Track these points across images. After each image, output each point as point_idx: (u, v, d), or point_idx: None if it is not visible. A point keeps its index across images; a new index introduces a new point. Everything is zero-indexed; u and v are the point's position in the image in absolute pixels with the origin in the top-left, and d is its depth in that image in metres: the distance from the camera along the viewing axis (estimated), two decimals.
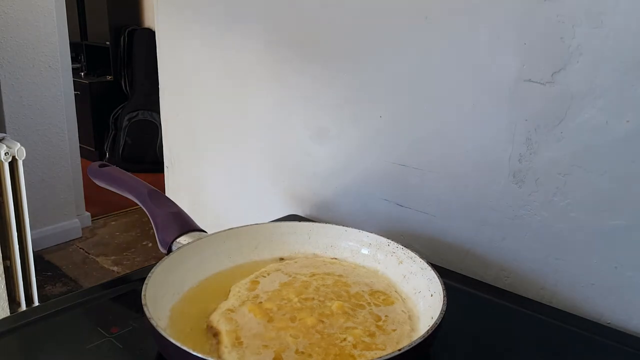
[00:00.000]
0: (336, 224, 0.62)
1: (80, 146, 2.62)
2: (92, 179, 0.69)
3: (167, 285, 0.50)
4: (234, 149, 0.93)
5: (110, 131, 3.54)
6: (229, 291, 0.52)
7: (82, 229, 2.60)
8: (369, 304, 0.50)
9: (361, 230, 0.60)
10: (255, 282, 0.53)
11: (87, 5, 3.63)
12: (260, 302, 0.49)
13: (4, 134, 1.55)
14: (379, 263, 0.58)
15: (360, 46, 0.70)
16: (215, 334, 0.45)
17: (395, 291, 0.53)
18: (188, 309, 0.50)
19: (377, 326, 0.47)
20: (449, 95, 0.63)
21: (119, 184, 0.66)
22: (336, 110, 0.75)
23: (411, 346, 0.39)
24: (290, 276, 0.54)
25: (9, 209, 1.51)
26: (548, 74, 0.54)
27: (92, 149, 3.60)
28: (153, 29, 2.74)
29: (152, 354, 0.46)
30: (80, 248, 2.50)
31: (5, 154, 1.48)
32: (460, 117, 0.62)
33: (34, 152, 2.24)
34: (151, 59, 3.28)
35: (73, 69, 2.60)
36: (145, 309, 0.42)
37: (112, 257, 2.44)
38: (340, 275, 0.55)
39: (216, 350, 0.43)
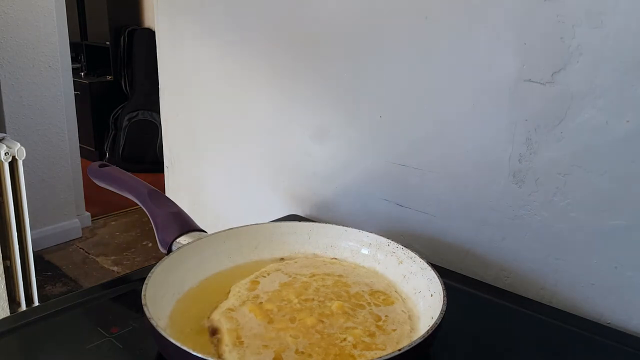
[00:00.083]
0: (336, 224, 0.62)
1: (80, 146, 2.62)
2: (92, 179, 0.69)
3: (167, 285, 0.50)
4: (234, 149, 0.93)
5: (110, 131, 3.54)
6: (229, 291, 0.52)
7: (82, 229, 2.60)
8: (369, 304, 0.50)
9: (361, 230, 0.60)
10: (255, 282, 0.53)
11: (87, 5, 3.63)
12: (261, 303, 0.49)
13: (4, 134, 1.55)
14: (379, 263, 0.58)
15: (360, 46, 0.70)
16: (216, 332, 0.45)
17: (395, 291, 0.53)
18: (188, 309, 0.50)
19: (377, 326, 0.47)
20: (449, 95, 0.63)
21: (119, 184, 0.66)
22: (336, 110, 0.75)
23: (411, 346, 0.39)
24: (290, 276, 0.54)
25: (9, 209, 1.51)
26: (548, 74, 0.54)
27: (92, 149, 3.60)
28: (153, 29, 2.75)
29: (152, 354, 0.46)
30: (80, 248, 2.50)
31: (5, 154, 1.48)
32: (460, 117, 0.62)
33: (34, 152, 2.24)
34: (151, 59, 3.28)
35: (73, 69, 2.60)
36: (145, 309, 0.42)
37: (112, 257, 2.44)
38: (340, 275, 0.55)
39: (217, 349, 0.43)
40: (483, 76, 0.59)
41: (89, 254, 2.46)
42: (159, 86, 1.05)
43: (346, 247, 0.60)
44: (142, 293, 0.44)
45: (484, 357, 0.49)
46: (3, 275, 1.52)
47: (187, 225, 0.58)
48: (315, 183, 0.80)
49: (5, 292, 1.53)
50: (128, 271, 1.00)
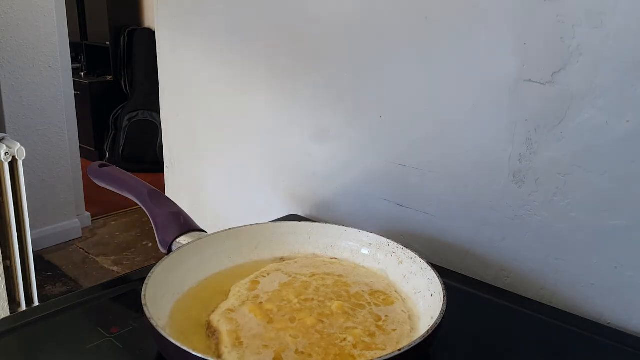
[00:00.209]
0: (336, 224, 0.62)
1: (80, 146, 2.62)
2: (92, 179, 0.69)
3: (167, 285, 0.50)
4: (234, 149, 0.93)
5: (110, 131, 3.54)
6: (229, 291, 0.52)
7: (82, 229, 2.60)
8: (369, 304, 0.50)
9: (361, 230, 0.60)
10: (255, 282, 0.53)
11: (87, 5, 3.63)
12: (261, 303, 0.49)
13: (4, 134, 1.55)
14: (379, 263, 0.58)
15: (360, 46, 0.70)
16: (215, 334, 0.45)
17: (395, 291, 0.53)
18: (188, 309, 0.50)
19: (377, 326, 0.47)
20: (449, 95, 0.63)
21: (119, 184, 0.66)
22: (336, 110, 0.75)
23: (411, 346, 0.39)
24: (290, 276, 0.54)
25: (9, 209, 1.51)
26: (548, 74, 0.54)
27: (92, 149, 3.60)
28: (153, 29, 2.74)
29: (152, 354, 0.46)
30: (80, 248, 2.50)
31: (5, 154, 1.48)
32: (460, 117, 0.62)
33: (34, 152, 2.24)
34: (151, 59, 3.28)
35: (73, 69, 2.60)
36: (145, 309, 0.42)
37: (112, 257, 2.44)
38: (340, 275, 0.55)
39: (216, 350, 0.43)
40: (483, 76, 0.59)
41: (89, 254, 2.46)
42: (159, 86, 1.05)
43: (346, 247, 0.60)
44: (142, 293, 0.44)
45: (484, 357, 0.49)
46: (3, 275, 1.52)
47: (187, 225, 0.58)
48: (315, 183, 0.80)
49: (5, 292, 1.53)
50: (128, 271, 1.00)
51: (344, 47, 0.72)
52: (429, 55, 0.63)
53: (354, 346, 0.44)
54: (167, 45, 1.01)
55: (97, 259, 2.42)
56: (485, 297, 0.58)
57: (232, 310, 0.48)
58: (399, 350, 0.39)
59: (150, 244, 2.55)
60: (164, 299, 0.48)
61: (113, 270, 2.34)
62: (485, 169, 0.61)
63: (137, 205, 0.63)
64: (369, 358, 0.42)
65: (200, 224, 0.60)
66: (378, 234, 0.59)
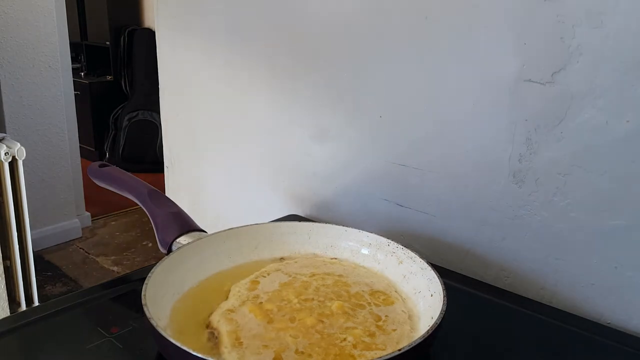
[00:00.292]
0: (336, 224, 0.62)
1: (80, 146, 2.62)
2: (92, 179, 0.69)
3: (167, 285, 0.50)
4: (234, 149, 0.93)
5: (110, 131, 3.54)
6: (229, 291, 0.52)
7: (82, 229, 2.60)
8: (369, 304, 0.50)
9: (361, 230, 0.60)
10: (255, 282, 0.53)
11: (87, 5, 3.63)
12: (261, 303, 0.49)
13: (4, 134, 1.55)
14: (379, 263, 0.58)
15: (360, 46, 0.70)
16: (215, 334, 0.45)
17: (395, 291, 0.53)
18: (188, 309, 0.50)
19: (377, 326, 0.47)
20: (449, 95, 0.63)
21: (119, 184, 0.66)
22: (336, 110, 0.75)
23: (411, 346, 0.39)
24: (290, 276, 0.54)
25: (9, 209, 1.51)
26: (548, 74, 0.54)
27: (92, 149, 3.60)
28: (153, 29, 2.74)
29: (152, 354, 0.46)
30: (80, 248, 2.50)
31: (5, 154, 1.48)
32: (460, 117, 0.62)
33: (34, 152, 2.24)
34: (151, 59, 3.28)
35: (73, 69, 2.60)
36: (145, 309, 0.42)
37: (112, 257, 2.44)
38: (340, 275, 0.55)
39: (216, 350, 0.43)
40: (483, 76, 0.59)
41: (89, 254, 2.46)
42: (159, 86, 1.05)
43: (346, 247, 0.60)
44: (142, 293, 0.44)
45: (484, 357, 0.49)
46: (3, 275, 1.52)
47: (187, 225, 0.58)
48: (315, 183, 0.80)
49: (5, 292, 1.53)
50: (128, 271, 1.00)
51: (344, 47, 0.72)
52: (429, 55, 0.63)
53: (354, 346, 0.44)
54: (167, 45, 1.01)
55: (97, 259, 2.42)
56: (485, 297, 0.58)
57: (232, 311, 0.48)
58: (399, 350, 0.39)
59: (150, 244, 2.55)
60: (164, 299, 0.48)
61: (113, 270, 2.34)
62: (485, 169, 0.61)
63: (137, 205, 0.63)
64: (369, 358, 0.42)
65: (200, 224, 0.60)
66: (378, 234, 0.59)
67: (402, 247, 0.56)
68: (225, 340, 0.44)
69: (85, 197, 2.63)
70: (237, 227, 0.59)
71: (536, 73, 0.55)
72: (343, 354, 0.43)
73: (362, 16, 0.68)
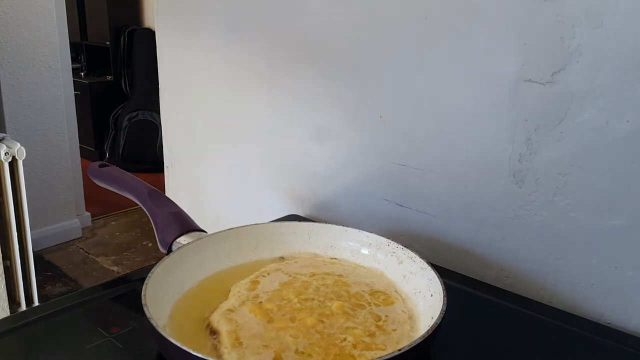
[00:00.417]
0: (336, 224, 0.62)
1: (80, 146, 2.62)
2: (92, 179, 0.69)
3: (167, 285, 0.50)
4: (234, 149, 0.93)
5: (110, 131, 3.54)
6: (229, 291, 0.52)
7: (82, 229, 2.60)
8: (369, 303, 0.50)
9: (361, 230, 0.60)
10: (255, 282, 0.53)
11: (87, 5, 3.63)
12: (261, 302, 0.49)
13: (4, 134, 1.55)
14: (379, 263, 0.58)
15: (360, 46, 0.70)
16: (215, 334, 0.45)
17: (395, 291, 0.53)
18: (188, 309, 0.50)
19: (377, 326, 0.47)
20: (449, 95, 0.63)
21: (119, 184, 0.66)
22: (336, 110, 0.75)
23: (411, 346, 0.39)
24: (290, 276, 0.54)
25: (9, 209, 1.51)
26: (548, 74, 0.54)
27: (92, 149, 3.60)
28: (153, 29, 2.74)
29: (152, 354, 0.46)
30: (80, 248, 2.50)
31: (5, 154, 1.48)
32: (460, 117, 0.62)
33: (34, 152, 2.24)
34: (151, 59, 3.28)
35: (73, 69, 2.60)
36: (145, 309, 0.42)
37: (112, 257, 2.44)
38: (340, 275, 0.55)
39: (216, 351, 0.43)
40: (483, 76, 0.59)
41: (89, 254, 2.46)
42: (159, 86, 1.05)
43: (346, 247, 0.60)
44: (142, 293, 0.44)
45: (484, 357, 0.49)
46: (3, 275, 1.52)
47: (187, 225, 0.58)
48: (315, 183, 0.80)
49: (5, 292, 1.53)
50: (128, 271, 1.00)
51: (344, 47, 0.72)
52: (429, 55, 0.63)
53: (354, 346, 0.44)
54: (167, 45, 1.01)
55: (97, 259, 2.42)
56: (485, 297, 0.58)
57: (232, 310, 0.48)
58: (399, 350, 0.39)
59: (150, 244, 2.55)
60: (164, 299, 0.48)
61: (113, 270, 2.34)
62: (485, 169, 0.61)
63: (137, 205, 0.63)
64: (369, 358, 0.42)
65: (200, 224, 0.60)
66: (378, 234, 0.59)
67: (402, 247, 0.56)
68: (225, 340, 0.44)
69: (85, 197, 2.63)
70: (237, 227, 0.59)
71: (536, 73, 0.55)
72: (343, 354, 0.43)
73: (362, 16, 0.68)
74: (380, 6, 0.66)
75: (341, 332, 0.45)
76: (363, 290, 0.52)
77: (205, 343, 0.45)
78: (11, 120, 2.19)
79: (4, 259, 1.52)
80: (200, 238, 0.56)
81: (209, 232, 0.58)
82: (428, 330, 0.41)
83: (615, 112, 0.51)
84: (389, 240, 0.57)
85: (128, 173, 0.67)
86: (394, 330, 0.46)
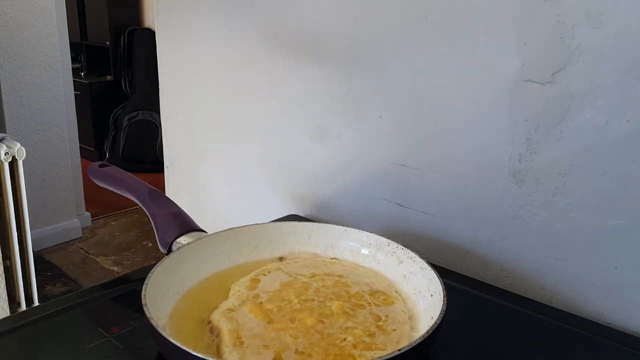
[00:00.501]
0: (336, 224, 0.62)
1: (80, 146, 2.62)
2: (92, 179, 0.69)
3: (167, 285, 0.50)
4: (234, 149, 0.93)
5: (110, 131, 3.54)
6: (229, 290, 0.52)
7: (82, 229, 2.60)
8: (369, 303, 0.50)
9: (361, 230, 0.60)
10: (255, 281, 0.53)
11: (87, 5, 3.63)
12: (261, 303, 0.49)
13: (4, 134, 1.55)
14: (379, 263, 0.58)
15: (360, 46, 0.70)
16: (216, 333, 0.45)
17: (395, 291, 0.53)
18: (188, 309, 0.50)
19: (377, 326, 0.47)
20: (449, 95, 0.63)
21: (119, 184, 0.66)
22: (336, 110, 0.75)
23: (411, 346, 0.39)
24: (290, 276, 0.54)
25: (9, 209, 1.51)
26: (548, 74, 0.54)
27: (92, 149, 3.60)
28: (153, 29, 2.74)
29: (152, 354, 0.46)
30: (80, 248, 2.50)
31: (5, 154, 1.48)
32: (460, 117, 0.62)
33: (34, 152, 2.24)
34: (151, 59, 3.28)
35: (73, 69, 2.60)
36: (145, 309, 0.42)
37: (112, 257, 2.44)
38: (340, 276, 0.55)
39: (217, 350, 0.43)
40: (483, 76, 0.59)
41: (89, 254, 2.46)
42: (159, 86, 1.05)
43: (346, 247, 0.60)
44: (142, 293, 0.44)
45: (484, 357, 0.49)
46: (3, 275, 1.52)
47: (187, 225, 0.58)
48: (315, 183, 0.80)
49: (5, 292, 1.53)
50: (128, 271, 1.00)
51: (344, 47, 0.72)
52: (429, 55, 0.63)
53: (354, 346, 0.44)
54: (167, 45, 1.01)
55: (97, 259, 2.42)
56: (485, 297, 0.58)
57: (232, 310, 0.48)
58: (399, 350, 0.39)
59: (150, 244, 2.55)
60: (164, 299, 0.48)
61: (113, 270, 2.34)
62: (485, 169, 0.61)
63: (137, 205, 0.63)
64: (369, 358, 0.42)
65: (200, 224, 0.60)
66: (378, 234, 0.59)
67: (402, 247, 0.56)
68: (227, 339, 0.44)
69: (85, 197, 2.63)
70: (237, 227, 0.59)
71: (536, 73, 0.55)
72: (343, 354, 0.43)
73: (363, 16, 0.68)
74: (380, 6, 0.66)
75: (341, 332, 0.45)
76: (363, 290, 0.52)
77: (205, 343, 0.45)
78: (11, 120, 2.19)
79: (4, 259, 1.52)
80: (200, 238, 0.56)
81: (209, 232, 0.58)
82: (428, 330, 0.41)
83: (615, 112, 0.51)
84: (389, 240, 0.57)
85: (128, 173, 0.67)
86: (394, 330, 0.46)
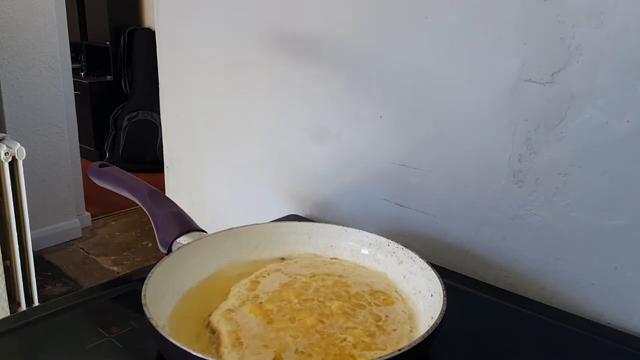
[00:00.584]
0: (336, 224, 0.62)
1: (80, 146, 2.62)
2: (92, 179, 0.69)
3: (167, 285, 0.50)
4: (234, 149, 0.93)
5: (110, 131, 3.54)
6: (229, 291, 0.52)
7: (82, 229, 2.60)
8: (369, 303, 0.50)
9: (361, 230, 0.60)
10: (255, 282, 0.53)
11: (87, 5, 3.63)
12: (261, 303, 0.49)
13: (4, 134, 1.55)
14: (379, 263, 0.58)
15: (360, 46, 0.70)
16: (215, 334, 0.45)
17: (395, 291, 0.53)
18: (188, 309, 0.50)
19: (377, 326, 0.47)
20: (449, 95, 0.63)
21: (119, 184, 0.66)
22: (336, 110, 0.75)
23: (411, 346, 0.39)
24: (290, 276, 0.54)
25: (9, 209, 1.51)
26: (548, 74, 0.54)
27: (92, 149, 3.60)
28: (153, 29, 2.74)
29: (152, 354, 0.46)
30: (80, 248, 2.50)
31: (5, 154, 1.48)
32: (460, 117, 0.62)
33: (34, 152, 2.24)
34: (151, 59, 3.28)
35: (73, 69, 2.60)
36: (145, 309, 0.42)
37: (112, 257, 2.44)
38: (340, 276, 0.55)
39: (216, 350, 0.43)
40: (483, 76, 0.59)
41: (89, 254, 2.46)
42: (159, 86, 1.05)
43: (346, 247, 0.60)
44: (142, 293, 0.44)
45: (484, 357, 0.49)
46: (3, 275, 1.52)
47: (187, 225, 0.58)
48: (315, 183, 0.80)
49: (5, 292, 1.53)
50: (128, 271, 1.00)
51: (344, 46, 0.72)
52: (429, 55, 0.63)
53: (354, 346, 0.44)
54: (167, 45, 1.01)
55: (97, 259, 2.42)
56: (485, 297, 0.58)
57: (232, 310, 0.48)
58: (399, 350, 0.39)
59: (150, 244, 2.55)
60: (164, 299, 0.48)
61: (113, 270, 2.34)
62: (485, 169, 0.61)
63: (137, 205, 0.63)
64: (369, 358, 0.42)
65: (200, 224, 0.60)
66: (378, 234, 0.59)
67: (402, 247, 0.56)
68: (226, 340, 0.44)
69: (85, 197, 2.63)
70: (237, 227, 0.59)
71: (536, 73, 0.55)
72: (343, 354, 0.43)
73: (362, 16, 0.68)
74: (380, 6, 0.66)
75: (341, 332, 0.45)
76: (363, 291, 0.52)
77: (205, 343, 0.45)
78: (11, 120, 2.19)
79: (4, 259, 1.52)
80: (200, 238, 0.56)
81: (209, 232, 0.58)
82: (428, 330, 0.41)
83: (615, 112, 0.51)
84: (389, 240, 0.57)
85: (128, 173, 0.67)
86: (394, 330, 0.46)
